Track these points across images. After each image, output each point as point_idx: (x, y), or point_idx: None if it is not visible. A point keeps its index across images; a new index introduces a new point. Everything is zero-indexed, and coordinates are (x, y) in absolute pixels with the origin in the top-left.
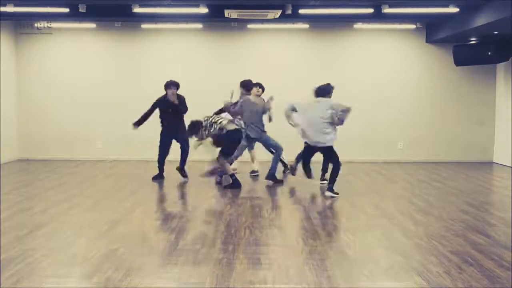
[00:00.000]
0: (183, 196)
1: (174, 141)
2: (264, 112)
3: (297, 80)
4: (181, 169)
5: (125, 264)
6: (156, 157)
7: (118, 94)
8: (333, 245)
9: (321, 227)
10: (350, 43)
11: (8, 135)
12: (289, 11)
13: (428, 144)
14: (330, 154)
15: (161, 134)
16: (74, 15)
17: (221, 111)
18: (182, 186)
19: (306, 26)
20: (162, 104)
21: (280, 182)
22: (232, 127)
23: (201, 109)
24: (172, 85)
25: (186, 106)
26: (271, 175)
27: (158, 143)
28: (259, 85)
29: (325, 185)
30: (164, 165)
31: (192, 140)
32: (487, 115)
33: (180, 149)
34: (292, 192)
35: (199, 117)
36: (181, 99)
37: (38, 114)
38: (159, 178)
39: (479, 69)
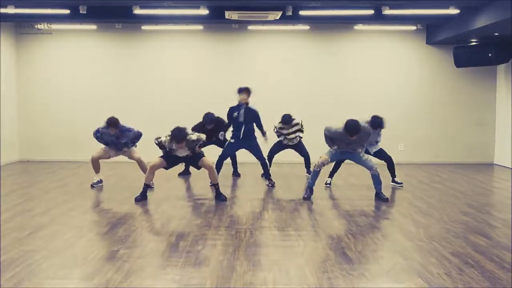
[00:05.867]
0: (183, 197)
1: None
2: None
3: (298, 81)
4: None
5: (126, 266)
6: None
7: (118, 96)
8: (334, 246)
9: (322, 228)
10: (350, 45)
11: (8, 136)
12: (289, 13)
13: (428, 145)
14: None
15: None
16: (75, 17)
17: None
18: (182, 188)
19: (307, 27)
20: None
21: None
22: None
23: (202, 110)
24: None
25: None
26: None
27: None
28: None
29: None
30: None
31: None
32: (487, 116)
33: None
34: (292, 193)
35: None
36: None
37: (39, 115)
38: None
39: (479, 70)
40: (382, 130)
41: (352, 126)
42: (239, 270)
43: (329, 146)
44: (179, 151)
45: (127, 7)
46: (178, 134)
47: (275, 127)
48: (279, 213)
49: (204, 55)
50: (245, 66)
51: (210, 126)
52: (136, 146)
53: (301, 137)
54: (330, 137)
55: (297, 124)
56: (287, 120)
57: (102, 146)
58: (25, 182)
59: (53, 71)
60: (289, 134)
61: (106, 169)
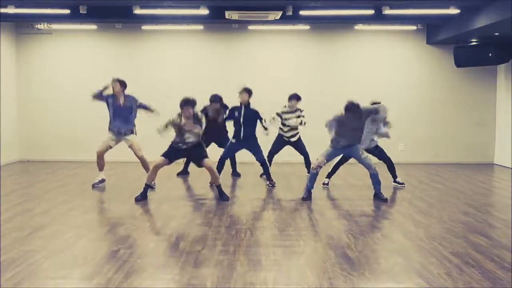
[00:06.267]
0: (183, 197)
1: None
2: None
3: (298, 81)
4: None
5: (126, 266)
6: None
7: None
8: (334, 246)
9: (322, 228)
10: (350, 44)
11: (8, 136)
12: (290, 13)
13: (428, 145)
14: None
15: None
16: (75, 17)
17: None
18: (182, 187)
19: (307, 27)
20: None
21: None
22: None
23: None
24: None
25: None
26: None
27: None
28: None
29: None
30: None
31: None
32: (487, 116)
33: None
34: (292, 193)
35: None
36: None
37: (39, 115)
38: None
39: (479, 70)
40: (385, 126)
41: (352, 104)
42: (239, 270)
43: (332, 135)
44: (187, 126)
45: (127, 7)
46: (190, 100)
47: (277, 113)
48: (279, 213)
49: (204, 55)
50: (245, 66)
51: (217, 105)
52: (135, 133)
53: (303, 122)
54: (337, 124)
55: (298, 109)
56: (295, 96)
57: (103, 138)
58: (25, 182)
59: (53, 71)
60: (289, 118)
61: (106, 169)
